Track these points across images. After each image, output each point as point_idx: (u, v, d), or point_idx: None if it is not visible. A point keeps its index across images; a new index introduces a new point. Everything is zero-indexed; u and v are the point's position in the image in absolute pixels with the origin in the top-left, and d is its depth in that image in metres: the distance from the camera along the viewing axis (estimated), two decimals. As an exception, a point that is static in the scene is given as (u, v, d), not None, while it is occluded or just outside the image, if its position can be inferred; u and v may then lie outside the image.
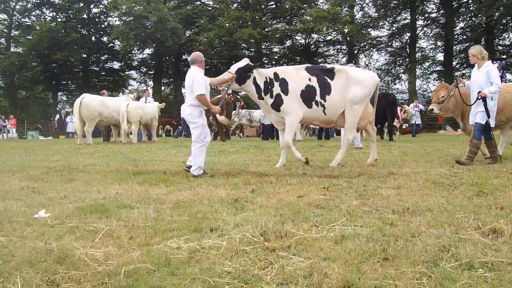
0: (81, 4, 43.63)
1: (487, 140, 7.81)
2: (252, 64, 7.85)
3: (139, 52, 43.39)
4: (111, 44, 44.40)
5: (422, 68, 41.15)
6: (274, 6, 42.01)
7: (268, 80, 7.79)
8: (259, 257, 3.01)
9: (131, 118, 16.57)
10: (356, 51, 42.52)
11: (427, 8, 37.47)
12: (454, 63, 38.55)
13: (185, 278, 2.66)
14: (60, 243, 3.40)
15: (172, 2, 41.55)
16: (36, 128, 36.89)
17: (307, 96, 7.72)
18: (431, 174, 6.48)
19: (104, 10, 43.72)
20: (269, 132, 20.15)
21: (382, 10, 37.03)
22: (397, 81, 42.63)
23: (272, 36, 40.57)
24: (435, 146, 12.80)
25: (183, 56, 43.78)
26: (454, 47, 37.80)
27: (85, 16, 44.62)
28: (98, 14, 45.08)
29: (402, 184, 5.64)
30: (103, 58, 45.70)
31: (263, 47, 42.36)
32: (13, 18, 43.54)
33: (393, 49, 40.70)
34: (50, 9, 44.70)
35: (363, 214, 4.14)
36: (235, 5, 41.82)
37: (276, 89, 7.74)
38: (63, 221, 4.11)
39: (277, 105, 7.76)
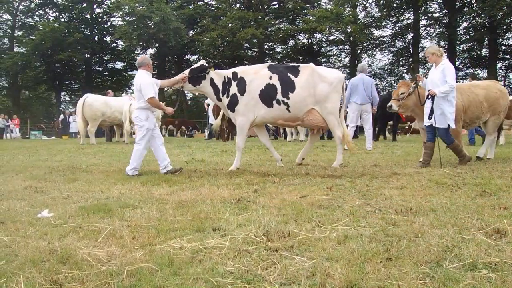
0: (84, 4, 43.77)
1: (428, 141, 7.56)
2: (207, 65, 7.70)
3: (142, 52, 43.41)
4: (114, 44, 44.56)
5: (425, 68, 41.03)
6: (276, 6, 42.02)
7: (227, 80, 7.63)
8: (261, 257, 3.01)
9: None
10: (359, 51, 42.49)
11: (430, 8, 37.38)
12: (457, 63, 38.41)
13: (188, 278, 2.66)
14: (63, 243, 3.41)
15: (175, 2, 41.60)
16: (39, 128, 37.02)
17: (267, 95, 7.49)
18: (434, 174, 6.46)
19: (107, 10, 43.82)
20: None
21: (385, 10, 36.95)
22: (400, 81, 42.53)
23: (274, 36, 40.58)
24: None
25: (186, 56, 43.89)
26: (457, 47, 37.68)
27: (88, 16, 44.72)
28: (101, 14, 45.18)
29: (405, 184, 5.62)
30: (106, 58, 45.83)
31: (265, 47, 42.40)
32: (17, 18, 43.68)
33: (396, 49, 40.67)
34: (53, 9, 44.83)
35: (366, 214, 4.14)
36: (238, 5, 41.83)
37: (233, 88, 7.55)
38: (66, 221, 4.12)
39: (232, 104, 7.57)
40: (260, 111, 7.55)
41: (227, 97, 7.59)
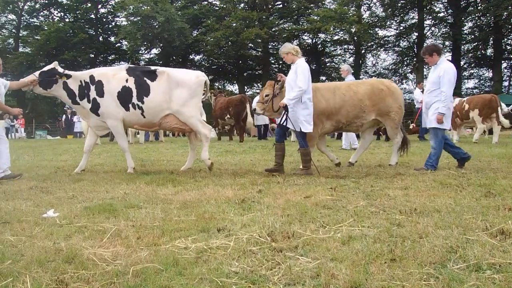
0: (89, 5, 44.00)
1: (301, 147, 7.02)
2: (58, 70, 7.51)
3: (146, 52, 43.70)
4: (119, 44, 44.77)
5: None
6: (281, 5, 42.04)
7: (84, 84, 7.47)
8: (266, 258, 3.02)
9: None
10: (363, 51, 42.46)
11: (435, 8, 37.35)
12: (462, 62, 38.31)
13: (193, 278, 2.67)
14: (68, 242, 3.43)
15: (179, 2, 41.72)
16: (44, 127, 37.15)
17: (124, 98, 7.36)
18: (439, 174, 6.45)
19: (112, 10, 44.03)
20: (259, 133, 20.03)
21: (390, 9, 36.93)
22: (404, 81, 42.41)
23: (279, 35, 40.58)
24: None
25: (190, 56, 43.95)
26: (462, 47, 37.58)
27: (92, 16, 44.95)
28: (105, 14, 45.41)
29: (409, 185, 5.62)
30: (110, 58, 46.03)
31: (270, 46, 42.40)
32: (22, 18, 43.96)
33: (400, 49, 40.58)
34: (58, 10, 45.15)
35: (370, 214, 4.13)
36: (242, 5, 41.88)
37: (92, 93, 7.42)
38: (71, 220, 4.14)
39: (95, 109, 7.45)
40: (119, 113, 7.46)
41: (88, 101, 7.46)
